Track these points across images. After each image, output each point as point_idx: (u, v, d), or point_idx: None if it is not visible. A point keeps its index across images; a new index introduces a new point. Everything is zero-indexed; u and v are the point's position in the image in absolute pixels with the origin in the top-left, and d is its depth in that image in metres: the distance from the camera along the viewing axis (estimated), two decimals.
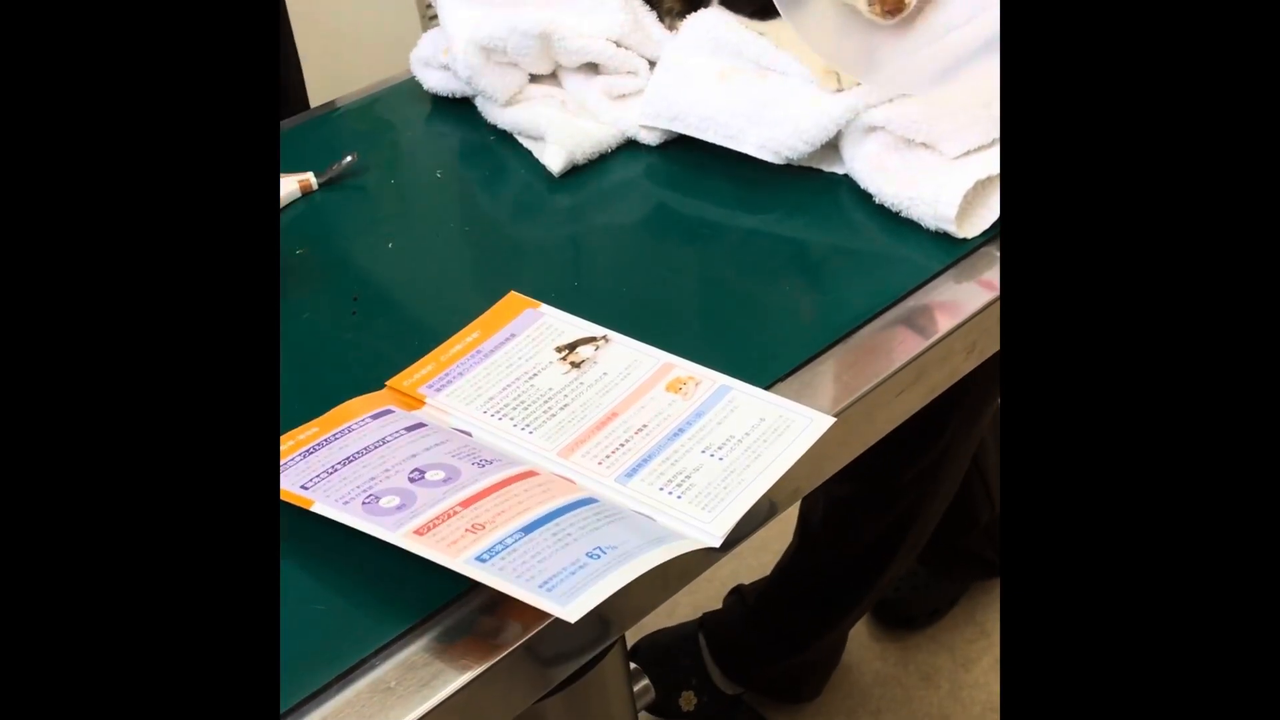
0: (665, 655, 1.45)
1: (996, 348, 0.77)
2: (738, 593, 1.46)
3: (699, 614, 1.48)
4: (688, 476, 0.62)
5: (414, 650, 0.56)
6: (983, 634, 1.54)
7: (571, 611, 0.52)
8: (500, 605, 0.58)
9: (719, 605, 1.48)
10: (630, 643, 1.48)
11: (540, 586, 0.53)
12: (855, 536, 1.30)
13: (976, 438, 1.29)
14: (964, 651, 1.52)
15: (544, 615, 0.57)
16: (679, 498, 0.61)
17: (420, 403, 0.68)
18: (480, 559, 0.54)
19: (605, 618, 0.61)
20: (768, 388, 0.68)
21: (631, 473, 0.62)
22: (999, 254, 0.77)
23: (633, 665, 0.85)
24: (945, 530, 1.47)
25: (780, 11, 0.76)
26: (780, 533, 1.57)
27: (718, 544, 0.59)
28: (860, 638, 1.54)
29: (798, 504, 1.37)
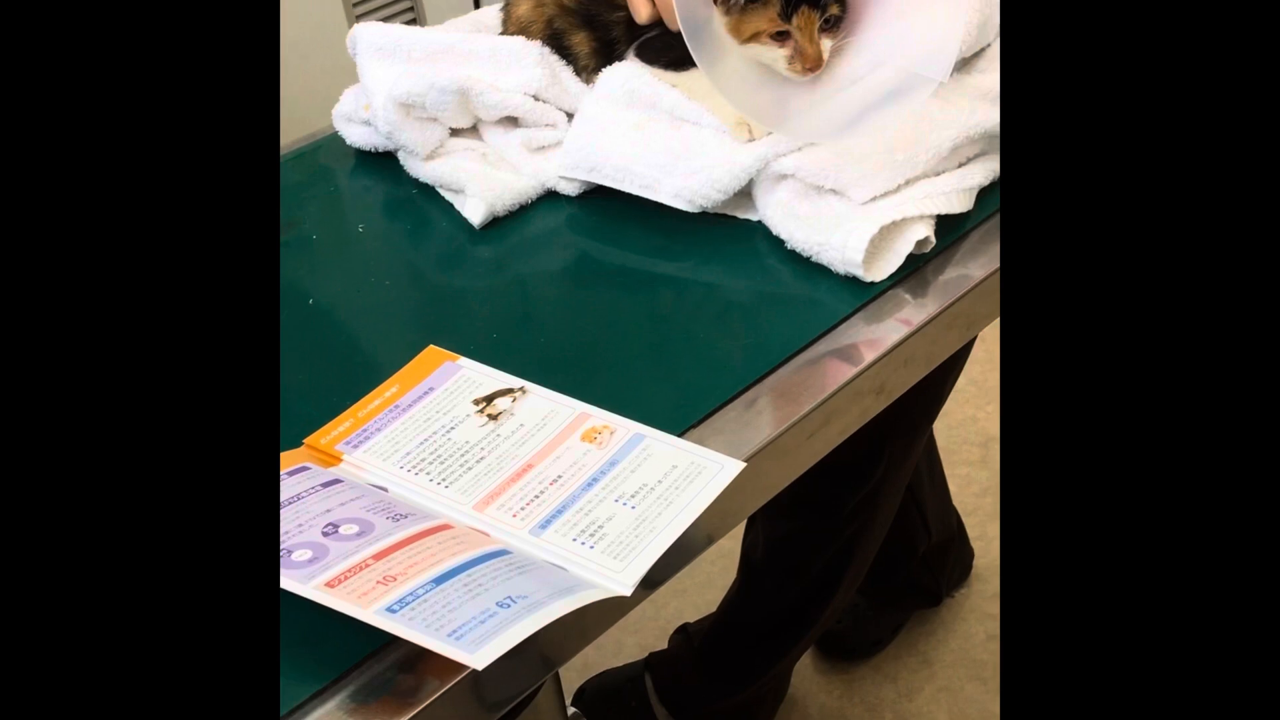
0: (612, 697, 1.46)
1: (906, 387, 0.79)
2: (683, 632, 1.46)
3: (645, 654, 1.48)
4: (600, 526, 0.63)
5: (327, 710, 0.56)
6: (925, 663, 1.56)
7: (479, 659, 0.53)
8: (417, 662, 0.59)
9: (664, 644, 1.48)
10: (577, 684, 1.48)
11: (449, 635, 0.54)
12: (798, 570, 1.32)
13: (911, 467, 1.31)
14: (907, 681, 1.54)
15: (460, 669, 0.58)
16: (591, 548, 0.62)
17: (337, 459, 0.69)
18: (391, 610, 0.55)
19: (526, 666, 0.62)
20: (682, 434, 0.70)
21: (545, 524, 0.63)
22: (907, 295, 0.79)
23: (572, 710, 0.86)
24: (884, 560, 1.49)
25: (699, 67, 0.78)
26: (724, 569, 1.58)
27: (628, 593, 0.60)
28: (805, 671, 1.56)
29: (740, 541, 1.38)
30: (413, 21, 2.03)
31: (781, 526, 1.30)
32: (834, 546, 1.29)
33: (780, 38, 0.82)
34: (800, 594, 1.33)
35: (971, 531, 1.63)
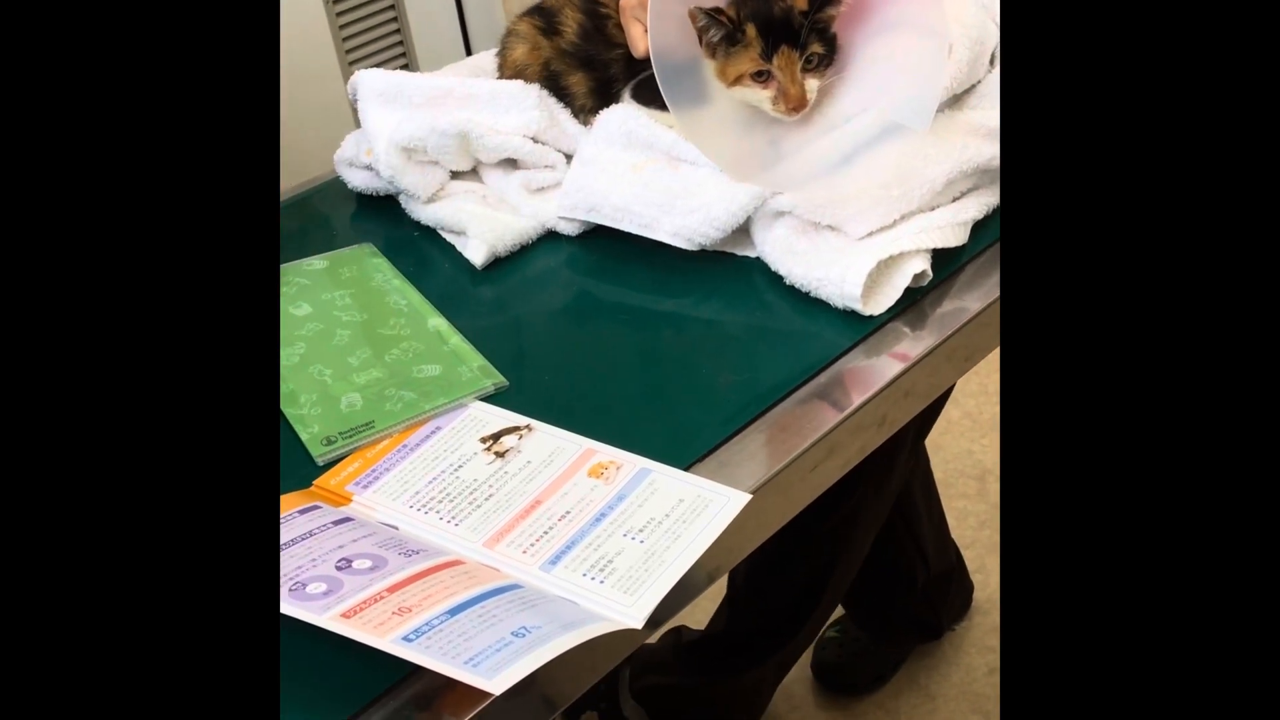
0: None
1: (907, 419, 0.80)
2: (676, 632, 1.47)
3: None
4: (609, 561, 0.64)
5: None
6: (927, 697, 1.56)
7: (497, 684, 0.53)
8: (433, 699, 0.59)
9: None
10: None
11: (466, 663, 0.54)
12: (779, 588, 1.33)
13: (892, 486, 1.31)
14: (909, 715, 1.54)
15: (473, 705, 0.58)
16: (601, 582, 0.62)
17: (347, 499, 0.69)
18: (407, 639, 0.56)
19: (538, 699, 0.62)
20: (687, 468, 0.71)
21: (555, 560, 0.64)
22: (905, 328, 0.80)
23: None
24: (884, 595, 1.50)
25: (673, 114, 0.80)
26: (719, 584, 1.58)
27: (640, 625, 0.61)
28: (806, 707, 1.55)
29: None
30: (405, 68, 2.05)
31: (761, 546, 1.31)
32: (812, 566, 1.30)
33: (763, 79, 0.84)
34: (782, 609, 1.34)
35: (970, 564, 1.63)
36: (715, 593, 1.59)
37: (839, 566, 1.30)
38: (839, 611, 1.55)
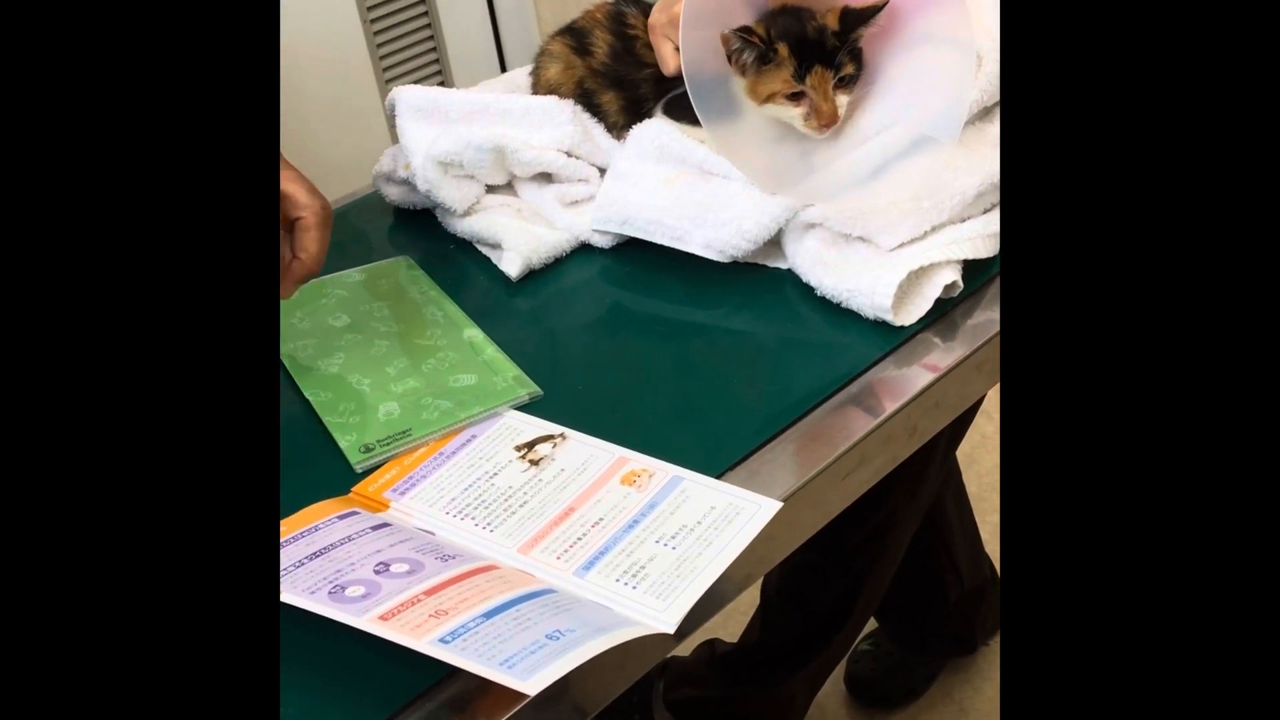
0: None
1: (937, 429, 0.80)
2: (710, 644, 1.47)
3: None
4: (642, 567, 0.64)
5: None
6: (961, 712, 1.55)
7: (532, 685, 0.54)
8: (468, 703, 0.60)
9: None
10: None
11: (502, 664, 0.55)
12: (812, 600, 1.33)
13: (923, 498, 1.31)
14: None
15: (506, 708, 0.59)
16: (634, 588, 0.63)
17: (385, 506, 0.71)
18: (444, 640, 0.57)
19: (571, 704, 0.63)
20: (719, 476, 0.71)
21: (588, 566, 0.65)
22: (936, 339, 0.81)
23: None
24: (916, 608, 1.50)
25: (706, 131, 0.81)
26: (753, 597, 1.59)
27: (672, 630, 0.61)
28: None
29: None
30: (441, 84, 2.08)
31: (794, 558, 1.31)
32: (845, 577, 1.30)
33: (795, 97, 0.85)
34: (815, 621, 1.34)
35: None
36: (749, 606, 1.60)
37: (871, 577, 1.30)
38: (872, 625, 1.55)
